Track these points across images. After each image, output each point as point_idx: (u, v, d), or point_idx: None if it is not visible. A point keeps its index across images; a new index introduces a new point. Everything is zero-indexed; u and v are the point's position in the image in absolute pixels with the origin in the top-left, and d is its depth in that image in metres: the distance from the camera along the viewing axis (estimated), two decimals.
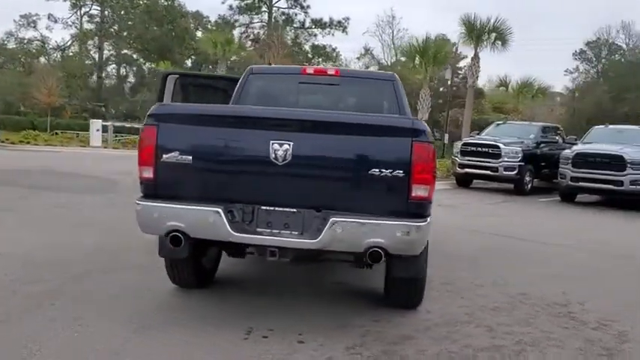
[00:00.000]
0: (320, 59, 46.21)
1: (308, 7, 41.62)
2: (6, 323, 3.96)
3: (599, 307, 5.07)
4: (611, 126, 16.09)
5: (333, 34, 39.68)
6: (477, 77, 20.13)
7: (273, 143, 3.77)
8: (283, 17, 42.14)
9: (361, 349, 3.81)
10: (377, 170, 3.72)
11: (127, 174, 13.88)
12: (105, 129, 25.93)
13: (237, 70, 34.06)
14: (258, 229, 3.86)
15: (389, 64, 47.46)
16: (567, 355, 3.95)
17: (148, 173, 3.95)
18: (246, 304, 4.60)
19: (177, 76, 6.67)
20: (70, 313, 4.22)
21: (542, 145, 15.89)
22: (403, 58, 50.62)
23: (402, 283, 4.47)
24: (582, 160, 13.42)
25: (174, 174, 3.92)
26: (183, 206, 3.85)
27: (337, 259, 4.41)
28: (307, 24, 42.46)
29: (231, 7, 41.70)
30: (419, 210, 3.79)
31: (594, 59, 59.18)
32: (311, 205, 3.84)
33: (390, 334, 4.14)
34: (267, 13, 41.99)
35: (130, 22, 41.03)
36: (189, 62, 41.85)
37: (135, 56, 42.97)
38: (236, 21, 42.28)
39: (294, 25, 42.64)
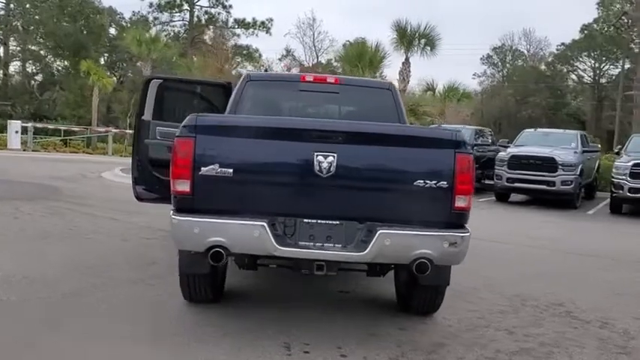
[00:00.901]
0: (240, 59, 45.73)
1: (230, 6, 41.19)
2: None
3: (591, 305, 5.38)
4: (539, 130, 17.03)
5: (257, 35, 39.50)
6: (408, 82, 20.78)
7: (317, 155, 3.73)
8: (206, 16, 41.45)
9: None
10: (421, 181, 3.77)
11: (63, 179, 13.25)
12: (24, 130, 24.31)
13: (162, 69, 33.10)
14: (300, 243, 3.80)
15: (310, 65, 47.69)
16: (592, 354, 4.16)
17: (184, 187, 3.80)
18: (266, 318, 4.50)
19: (160, 80, 6.39)
20: (90, 333, 3.97)
21: (475, 147, 16.57)
22: (323, 61, 51.53)
23: (425, 291, 4.54)
24: (517, 162, 14.09)
25: (214, 187, 3.79)
26: (227, 221, 3.72)
27: (350, 268, 4.42)
28: (230, 23, 41.99)
29: (151, 5, 40.56)
30: (461, 220, 3.87)
31: (500, 64, 62.35)
32: (353, 217, 3.83)
33: (423, 342, 4.20)
34: (188, 12, 41.12)
35: (37, 17, 38.80)
36: (102, 60, 40.13)
37: (43, 52, 40.65)
38: (156, 19, 41.13)
39: (218, 25, 41.98)
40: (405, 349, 4.05)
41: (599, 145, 18.11)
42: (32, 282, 5.07)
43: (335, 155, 3.72)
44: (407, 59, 20.38)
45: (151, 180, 6.33)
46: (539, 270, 6.92)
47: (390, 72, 19.62)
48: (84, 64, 27.73)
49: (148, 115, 6.31)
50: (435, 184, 3.77)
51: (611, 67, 54.80)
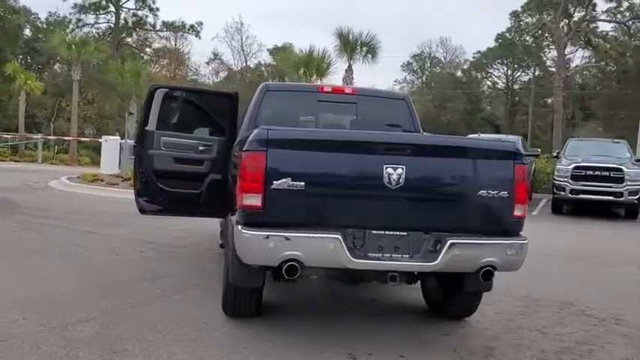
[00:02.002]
0: (166, 61, 44.70)
1: (157, 9, 40.11)
2: None
3: (597, 304, 5.73)
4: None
5: (186, 38, 38.75)
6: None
7: (386, 167, 3.80)
8: (133, 19, 40.07)
9: None
10: (484, 192, 3.93)
11: (9, 191, 12.51)
12: None
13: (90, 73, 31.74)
14: (370, 254, 3.85)
15: (238, 69, 47.42)
16: (626, 350, 4.47)
17: (255, 201, 3.75)
18: (316, 328, 4.51)
19: (166, 90, 6.21)
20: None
21: None
22: (252, 65, 51.33)
23: (467, 297, 4.70)
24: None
25: (285, 201, 3.77)
26: (303, 234, 3.72)
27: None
28: (158, 26, 40.88)
29: (75, 5, 38.71)
30: (518, 228, 4.06)
31: (419, 71, 64.49)
32: (420, 228, 3.92)
33: (475, 346, 4.36)
34: (114, 14, 39.59)
35: None
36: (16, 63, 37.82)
37: None
38: (79, 20, 39.33)
39: (146, 28, 40.74)
40: (461, 353, 4.18)
41: (539, 150, 19.08)
42: (53, 304, 4.78)
43: (404, 167, 3.81)
44: (350, 67, 20.70)
45: (155, 192, 6.15)
46: (530, 270, 7.25)
47: (336, 78, 19.95)
48: (9, 67, 26.09)
49: (152, 126, 6.12)
50: (497, 194, 3.94)
51: (523, 74, 58.09)
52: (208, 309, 4.86)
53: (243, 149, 3.85)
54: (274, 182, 3.73)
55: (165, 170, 6.15)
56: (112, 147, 15.89)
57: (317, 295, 5.55)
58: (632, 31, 36.20)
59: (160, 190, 6.12)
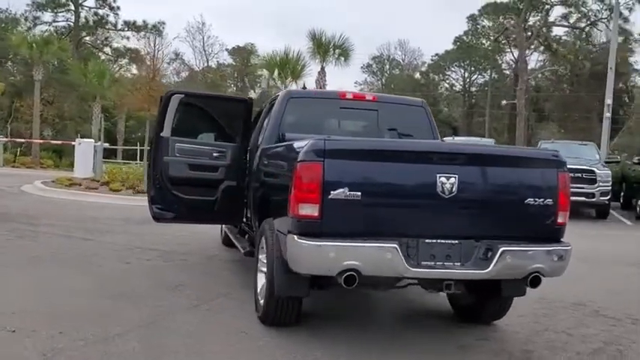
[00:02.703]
0: (125, 60, 43.73)
1: (118, 8, 39.21)
2: None
3: (608, 304, 5.94)
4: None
5: (148, 38, 37.95)
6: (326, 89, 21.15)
7: (440, 176, 3.86)
8: (94, 17, 39.03)
9: None
10: (531, 199, 4.04)
11: None
12: None
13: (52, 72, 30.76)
14: (423, 262, 3.90)
15: (200, 69, 46.89)
16: None
17: (312, 211, 3.76)
18: (355, 337, 4.53)
19: (182, 95, 6.12)
20: None
21: None
22: (213, 65, 50.78)
23: (500, 301, 4.79)
24: None
25: (342, 211, 3.78)
26: (362, 244, 3.74)
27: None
28: (119, 25, 39.94)
29: (32, 2, 37.31)
30: (561, 235, 4.19)
31: (379, 73, 65.15)
32: (470, 236, 4.00)
33: (513, 350, 4.48)
34: (74, 12, 38.45)
35: None
36: None
37: None
38: (36, 18, 38.01)
39: (107, 27, 39.73)
40: (503, 357, 4.29)
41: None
42: (84, 316, 4.65)
43: (456, 177, 3.87)
44: (322, 69, 20.81)
45: (169, 199, 6.07)
46: None
47: (310, 81, 19.97)
48: None
49: (167, 132, 6.04)
50: (543, 201, 4.05)
51: (480, 76, 59.44)
52: (242, 319, 4.82)
53: (299, 159, 3.83)
54: (331, 192, 3.74)
55: (180, 177, 6.08)
56: (85, 150, 15.48)
57: (347, 302, 5.54)
58: (588, 37, 37.73)
59: (175, 197, 6.05)
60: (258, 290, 4.86)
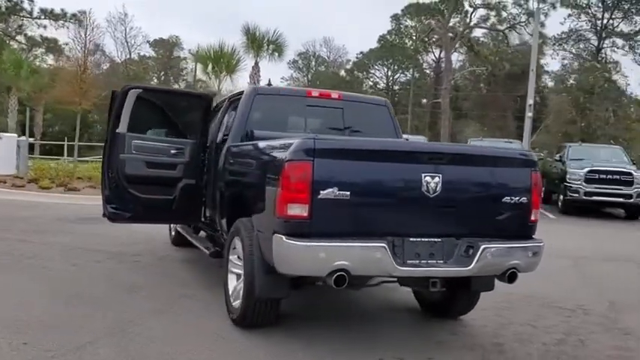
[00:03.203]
0: (40, 50, 41.45)
1: None
2: None
3: (558, 296, 6.23)
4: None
5: (67, 27, 36.04)
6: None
7: (425, 176, 3.91)
8: (7, 3, 36.47)
9: None
10: (508, 198, 4.17)
11: None
12: None
13: None
14: (408, 261, 3.94)
15: (121, 61, 45.19)
16: (612, 339, 4.93)
17: (302, 211, 3.70)
18: (334, 336, 4.52)
19: (140, 90, 5.85)
20: None
21: None
22: (135, 57, 49.04)
23: (470, 296, 4.91)
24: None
25: (331, 211, 3.75)
26: (351, 244, 3.73)
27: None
28: (35, 13, 37.64)
29: None
30: (533, 232, 4.35)
31: (305, 69, 65.34)
32: (452, 234, 4.08)
33: (485, 343, 4.62)
34: None
35: None
36: None
37: None
38: None
39: (21, 14, 37.33)
40: (479, 351, 4.41)
41: None
42: (46, 324, 4.38)
43: (440, 176, 3.94)
44: (256, 63, 20.60)
45: (126, 198, 5.82)
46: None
47: (244, 76, 19.59)
48: None
49: (123, 128, 5.77)
50: (519, 199, 4.19)
51: (402, 75, 60.90)
52: (213, 321, 4.70)
53: (287, 159, 3.76)
54: (321, 192, 3.70)
55: (137, 175, 5.84)
56: (7, 145, 14.52)
57: (321, 301, 5.50)
58: (505, 39, 39.44)
59: (132, 196, 5.80)
60: (230, 292, 4.75)
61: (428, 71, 58.49)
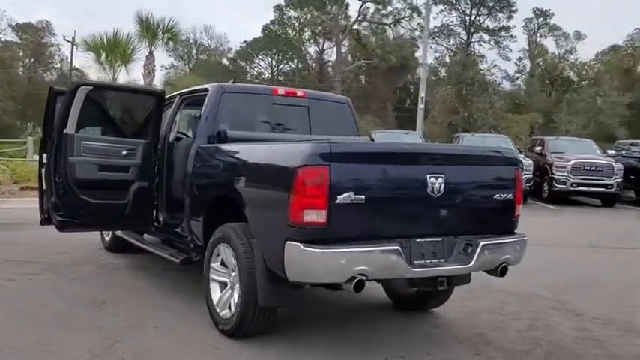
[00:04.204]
0: None
1: None
2: None
3: (507, 282, 6.58)
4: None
5: None
6: (154, 76, 20.02)
7: (430, 177, 3.98)
8: None
9: (491, 353, 4.40)
10: (498, 195, 4.36)
11: None
12: None
13: None
14: (415, 262, 3.99)
15: None
16: (568, 321, 5.33)
17: (319, 217, 3.63)
18: (326, 340, 4.48)
19: (90, 87, 5.37)
20: None
21: None
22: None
23: (446, 291, 5.05)
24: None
25: (347, 216, 3.72)
26: (369, 248, 3.71)
27: None
28: None
29: None
30: (516, 226, 4.58)
31: (186, 57, 63.48)
32: (451, 232, 4.19)
33: (468, 334, 4.81)
34: None
35: None
36: None
37: None
38: None
39: None
40: (465, 343, 4.58)
41: None
42: (22, 349, 3.94)
43: (443, 176, 4.02)
44: (151, 52, 19.67)
45: (76, 205, 5.38)
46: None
47: (139, 65, 18.48)
48: None
49: (71, 128, 5.31)
50: (506, 196, 4.39)
51: (286, 65, 61.20)
52: (201, 333, 4.48)
53: (302, 164, 3.64)
54: (338, 197, 3.64)
55: (88, 180, 5.41)
56: None
57: (304, 303, 5.40)
58: (383, 32, 40.97)
59: (83, 202, 5.37)
60: (215, 302, 4.55)
61: (309, 62, 59.28)
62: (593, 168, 16.26)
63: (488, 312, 5.45)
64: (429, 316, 5.23)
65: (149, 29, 19.10)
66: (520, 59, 55.29)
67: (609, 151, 18.20)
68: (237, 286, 4.30)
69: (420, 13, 33.06)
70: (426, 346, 4.46)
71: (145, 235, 6.46)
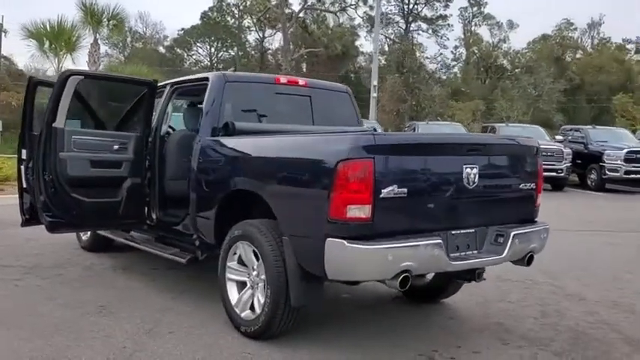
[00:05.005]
0: None
1: None
2: None
3: (499, 270, 6.66)
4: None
5: None
6: (100, 64, 19.08)
7: (465, 167, 3.90)
8: None
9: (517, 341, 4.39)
10: (524, 185, 4.34)
11: None
12: None
13: None
14: (451, 255, 3.91)
15: None
16: (578, 306, 5.41)
17: (364, 212, 3.48)
18: (356, 334, 4.36)
19: (81, 77, 4.96)
20: None
21: None
22: None
23: (457, 282, 5.00)
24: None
25: (391, 210, 3.59)
26: (414, 243, 3.60)
27: None
28: None
29: None
30: (537, 215, 4.57)
31: (121, 45, 61.33)
32: (483, 223, 4.13)
33: (488, 323, 4.80)
34: None
35: None
36: None
37: None
38: None
39: None
40: (485, 332, 4.56)
41: None
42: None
43: (477, 167, 3.95)
44: (96, 40, 18.76)
45: (68, 204, 5.02)
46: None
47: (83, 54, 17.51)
48: None
49: (61, 122, 4.93)
50: (530, 185, 4.38)
51: (225, 53, 60.28)
52: (221, 337, 4.22)
53: (345, 157, 3.47)
54: (382, 191, 3.50)
55: (81, 177, 5.05)
56: None
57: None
58: (324, 21, 40.88)
59: (76, 201, 5.00)
60: (234, 303, 4.33)
61: (249, 49, 58.52)
62: (544, 153, 16.82)
63: (496, 301, 5.45)
64: (440, 308, 5.18)
65: (93, 15, 18.18)
66: (456, 47, 56.60)
67: (557, 137, 18.82)
68: (261, 285, 4.11)
69: (365, 1, 33.13)
70: (450, 338, 4.40)
71: (133, 233, 6.11)
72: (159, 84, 5.65)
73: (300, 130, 4.98)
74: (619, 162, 17.02)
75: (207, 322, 4.52)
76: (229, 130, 4.75)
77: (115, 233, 6.14)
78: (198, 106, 5.18)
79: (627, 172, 16.96)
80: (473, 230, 4.05)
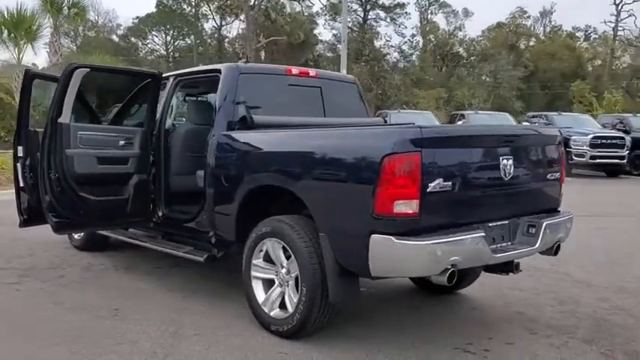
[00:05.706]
0: None
1: None
2: None
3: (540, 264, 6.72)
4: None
5: None
6: (61, 54, 18.36)
7: (502, 159, 3.88)
8: None
9: (545, 330, 4.42)
10: (551, 175, 4.35)
11: None
12: None
13: None
14: (490, 247, 3.87)
15: None
16: (588, 293, 5.48)
17: (411, 207, 3.41)
18: (389, 330, 4.30)
19: (87, 70, 4.70)
20: None
21: None
22: None
23: (475, 273, 5.00)
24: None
25: (437, 204, 3.53)
26: (461, 237, 3.54)
27: None
28: None
29: None
30: (560, 204, 4.59)
31: (72, 34, 59.42)
32: (515, 214, 4.11)
33: (509, 312, 4.82)
34: None
35: None
36: None
37: None
38: None
39: None
40: (516, 323, 4.56)
41: None
42: None
43: (512, 158, 3.93)
44: (57, 29, 18.03)
45: (75, 203, 4.79)
46: None
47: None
48: None
49: (66, 117, 4.68)
50: (555, 175, 4.39)
51: (182, 42, 59.18)
52: (249, 336, 4.10)
53: (391, 151, 3.38)
54: (429, 185, 3.43)
55: (89, 174, 4.82)
56: None
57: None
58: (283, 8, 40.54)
59: (83, 200, 4.78)
60: (261, 301, 4.20)
61: (206, 38, 57.56)
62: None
63: (509, 289, 5.46)
64: (459, 299, 5.17)
65: (53, 3, 17.44)
66: (413, 35, 56.95)
67: (524, 123, 19.21)
68: (292, 283, 4.00)
69: None
70: (480, 330, 4.39)
71: (131, 230, 5.88)
72: (164, 75, 5.45)
73: (324, 123, 4.86)
74: (585, 147, 17.47)
75: (230, 322, 4.38)
76: (247, 124, 4.59)
77: (115, 231, 5.90)
78: (205, 98, 5.00)
79: (593, 157, 17.45)
80: (507, 222, 4.03)
